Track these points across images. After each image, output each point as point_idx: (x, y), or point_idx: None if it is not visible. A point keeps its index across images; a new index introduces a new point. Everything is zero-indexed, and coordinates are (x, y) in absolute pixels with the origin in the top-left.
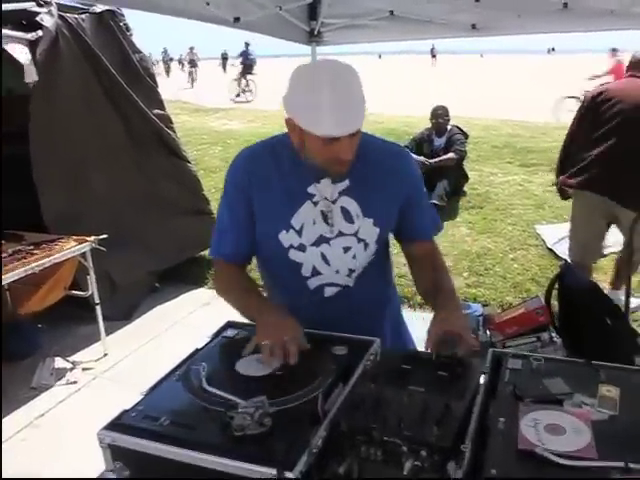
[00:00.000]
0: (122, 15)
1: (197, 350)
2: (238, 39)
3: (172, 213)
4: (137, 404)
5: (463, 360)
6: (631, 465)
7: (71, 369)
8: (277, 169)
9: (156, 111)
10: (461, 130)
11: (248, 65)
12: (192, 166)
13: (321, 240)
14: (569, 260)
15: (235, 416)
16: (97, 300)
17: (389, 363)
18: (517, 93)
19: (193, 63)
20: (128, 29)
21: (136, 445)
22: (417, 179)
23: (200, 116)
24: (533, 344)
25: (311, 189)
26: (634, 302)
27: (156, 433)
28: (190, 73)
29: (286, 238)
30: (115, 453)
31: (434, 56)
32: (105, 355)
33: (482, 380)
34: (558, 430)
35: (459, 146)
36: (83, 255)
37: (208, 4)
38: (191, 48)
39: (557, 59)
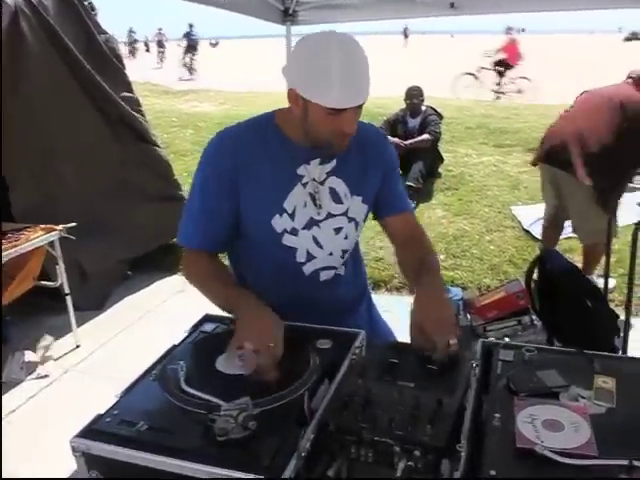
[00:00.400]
0: None
1: (174, 347)
2: (206, 21)
3: (142, 199)
4: (112, 408)
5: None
6: (635, 463)
7: (42, 362)
8: (264, 151)
9: (124, 94)
10: (435, 111)
11: (191, 46)
12: (162, 150)
13: (312, 223)
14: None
15: (217, 419)
16: (67, 290)
17: (375, 356)
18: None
19: (161, 44)
20: (93, 9)
21: (112, 453)
22: (394, 156)
23: (169, 98)
24: (514, 328)
25: (300, 170)
26: (609, 283)
27: (133, 439)
28: (160, 53)
29: (280, 223)
30: (90, 462)
31: (406, 36)
32: (77, 347)
33: (472, 365)
34: (556, 426)
35: (434, 127)
36: (51, 244)
37: None
38: (159, 29)
39: (526, 39)
